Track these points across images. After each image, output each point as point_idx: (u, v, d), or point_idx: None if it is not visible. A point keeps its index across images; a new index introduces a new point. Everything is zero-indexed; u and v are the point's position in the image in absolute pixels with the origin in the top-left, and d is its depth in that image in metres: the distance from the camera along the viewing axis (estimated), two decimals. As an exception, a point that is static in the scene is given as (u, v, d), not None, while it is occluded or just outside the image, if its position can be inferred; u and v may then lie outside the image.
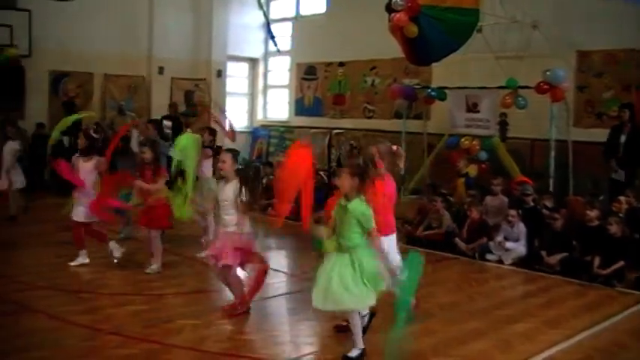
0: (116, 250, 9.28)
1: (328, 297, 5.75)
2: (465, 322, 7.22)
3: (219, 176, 7.58)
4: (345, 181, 5.78)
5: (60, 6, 13.92)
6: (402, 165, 7.06)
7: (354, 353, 5.94)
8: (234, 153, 7.34)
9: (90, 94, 18.26)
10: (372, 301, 5.88)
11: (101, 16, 17.68)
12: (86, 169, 9.11)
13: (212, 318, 7.07)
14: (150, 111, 18.90)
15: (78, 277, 8.70)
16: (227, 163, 7.15)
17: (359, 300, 5.80)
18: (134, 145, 11.73)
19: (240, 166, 7.35)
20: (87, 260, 9.19)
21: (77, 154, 9.26)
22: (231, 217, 7.09)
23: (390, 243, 6.74)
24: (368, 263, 5.78)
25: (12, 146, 11.91)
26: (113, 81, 18.59)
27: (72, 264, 9.07)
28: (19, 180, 12.17)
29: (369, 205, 5.79)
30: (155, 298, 7.93)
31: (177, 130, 14.80)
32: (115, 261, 9.17)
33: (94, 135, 9.63)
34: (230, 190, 7.08)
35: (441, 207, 11.34)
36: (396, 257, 6.76)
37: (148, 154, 8.92)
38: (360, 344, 5.97)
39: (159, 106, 18.59)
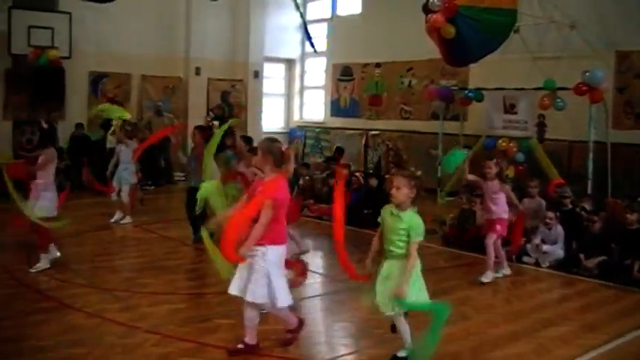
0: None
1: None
2: (502, 325, 7.17)
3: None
4: (404, 192, 5.70)
5: (99, 8, 14.09)
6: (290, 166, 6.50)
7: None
8: (249, 139, 7.31)
9: (128, 95, 18.50)
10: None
11: (139, 18, 17.89)
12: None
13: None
14: (187, 111, 19.06)
15: (115, 276, 8.81)
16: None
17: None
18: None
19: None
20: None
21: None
22: None
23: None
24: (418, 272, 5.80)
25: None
26: (150, 82, 18.78)
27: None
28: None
29: (420, 218, 5.75)
30: (191, 297, 8.00)
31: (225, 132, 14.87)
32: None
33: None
34: None
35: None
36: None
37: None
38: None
39: (195, 107, 18.75)
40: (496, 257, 9.14)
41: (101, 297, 7.75)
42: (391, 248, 5.75)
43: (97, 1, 12.96)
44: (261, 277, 5.73)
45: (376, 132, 18.86)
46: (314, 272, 9.15)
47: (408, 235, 5.65)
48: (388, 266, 5.77)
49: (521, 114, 14.50)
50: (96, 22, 16.77)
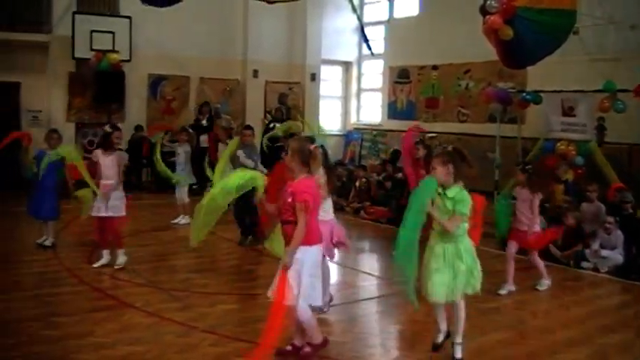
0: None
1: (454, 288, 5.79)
2: (559, 331, 7.10)
3: None
4: (439, 171, 5.75)
5: (159, 12, 14.28)
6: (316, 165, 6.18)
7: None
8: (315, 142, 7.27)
9: (186, 98, 18.73)
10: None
11: (198, 21, 18.10)
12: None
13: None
14: (244, 113, 19.21)
15: (172, 276, 8.94)
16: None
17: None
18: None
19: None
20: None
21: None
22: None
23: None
24: (471, 251, 5.86)
25: None
26: (209, 84, 18.99)
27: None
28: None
29: (467, 193, 5.77)
30: (247, 297, 8.08)
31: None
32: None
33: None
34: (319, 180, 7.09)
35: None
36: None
37: None
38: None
39: (253, 109, 18.89)
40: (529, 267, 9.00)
41: (159, 296, 7.88)
42: (438, 228, 5.83)
43: (157, 5, 13.15)
44: (293, 278, 5.72)
45: (433, 135, 18.76)
46: (369, 274, 9.18)
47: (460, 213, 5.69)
48: (441, 248, 5.83)
49: (580, 117, 14.27)
50: (155, 25, 17.03)
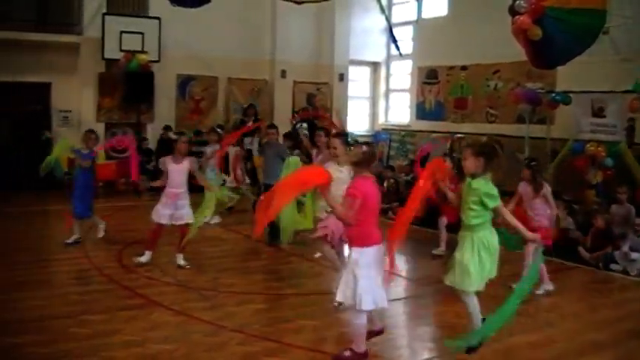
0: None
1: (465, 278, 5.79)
2: (587, 334, 7.05)
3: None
4: (469, 161, 5.77)
5: (187, 13, 14.37)
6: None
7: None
8: (343, 136, 7.32)
9: (215, 98, 18.82)
10: (480, 286, 5.82)
11: (226, 22, 18.19)
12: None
13: (332, 319, 7.15)
14: (272, 114, 19.26)
15: (200, 276, 8.98)
16: (339, 149, 7.17)
17: (472, 282, 5.78)
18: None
19: (351, 148, 7.21)
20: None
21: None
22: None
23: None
24: (487, 245, 5.79)
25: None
26: (237, 84, 19.06)
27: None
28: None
29: (493, 185, 5.77)
30: (275, 297, 8.11)
31: (313, 132, 14.97)
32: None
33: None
34: (345, 173, 7.15)
35: (564, 214, 11.08)
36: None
37: None
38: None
39: (281, 109, 18.93)
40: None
41: (188, 295, 7.94)
42: (463, 217, 5.86)
43: (186, 6, 13.22)
44: (350, 279, 5.77)
45: (461, 135, 18.69)
46: (398, 275, 9.17)
47: (481, 203, 5.69)
48: (460, 238, 5.88)
49: (609, 117, 14.14)
50: (184, 26, 17.13)
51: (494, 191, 5.72)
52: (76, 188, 10.51)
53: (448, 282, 5.92)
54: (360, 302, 5.70)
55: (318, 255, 9.67)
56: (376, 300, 5.81)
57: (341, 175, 7.16)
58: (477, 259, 5.72)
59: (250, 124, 16.30)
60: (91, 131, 11.08)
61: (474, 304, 5.88)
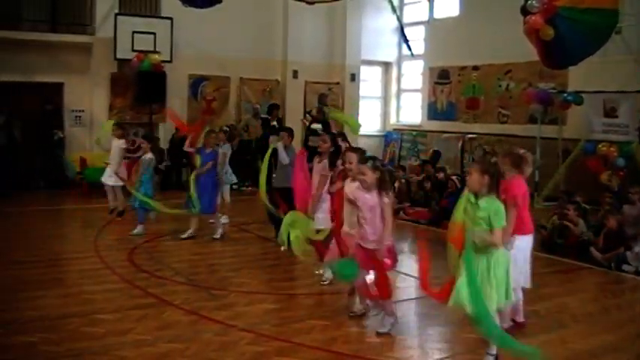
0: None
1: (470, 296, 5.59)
2: (599, 335, 7.01)
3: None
4: (474, 178, 5.69)
5: (199, 13, 14.38)
6: (528, 170, 6.90)
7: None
8: (360, 152, 7.25)
9: (227, 98, 18.87)
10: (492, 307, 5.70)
11: (238, 22, 18.24)
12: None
13: (342, 319, 7.15)
14: (284, 114, 19.29)
15: (212, 275, 9.01)
16: (354, 164, 7.09)
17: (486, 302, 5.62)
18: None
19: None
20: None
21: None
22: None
23: (521, 244, 6.71)
24: (500, 269, 5.72)
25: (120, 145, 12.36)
26: (249, 84, 19.10)
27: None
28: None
29: (501, 204, 5.71)
30: (286, 297, 8.11)
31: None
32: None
33: None
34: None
35: (574, 215, 11.04)
36: (524, 266, 6.73)
37: None
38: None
39: (292, 109, 18.91)
40: None
41: (198, 295, 7.95)
42: (472, 239, 5.68)
43: (197, 6, 13.24)
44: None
45: (473, 135, 18.67)
46: (408, 275, 9.16)
47: (489, 224, 5.61)
48: (477, 262, 5.70)
49: (622, 117, 14.13)
50: (196, 26, 17.16)
51: (501, 210, 5.65)
52: (201, 185, 10.84)
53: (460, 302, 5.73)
54: (519, 281, 6.59)
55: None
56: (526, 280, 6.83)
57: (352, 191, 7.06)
58: (502, 285, 5.71)
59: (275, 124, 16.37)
60: (212, 131, 11.51)
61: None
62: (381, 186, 6.48)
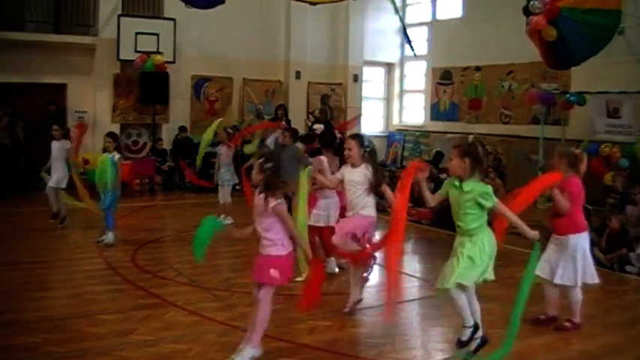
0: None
1: (452, 274, 5.61)
2: (602, 336, 7.01)
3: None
4: (455, 163, 5.65)
5: (202, 14, 14.45)
6: (583, 168, 7.01)
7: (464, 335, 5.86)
8: (359, 138, 7.29)
9: (229, 98, 18.88)
10: (467, 281, 5.66)
11: (241, 23, 18.28)
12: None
13: (345, 320, 7.17)
14: (287, 114, 19.29)
15: (215, 275, 9.00)
16: (354, 150, 7.11)
17: (457, 276, 5.60)
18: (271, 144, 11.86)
19: (367, 149, 7.22)
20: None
21: None
22: (360, 199, 7.11)
23: (578, 242, 6.94)
24: (483, 248, 5.65)
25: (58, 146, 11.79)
26: (252, 85, 19.11)
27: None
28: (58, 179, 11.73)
29: (486, 184, 5.67)
30: (289, 298, 8.10)
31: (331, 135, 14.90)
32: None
33: None
34: (360, 175, 7.10)
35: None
36: (584, 263, 7.00)
37: None
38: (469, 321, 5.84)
39: (295, 110, 18.91)
40: None
41: (201, 296, 7.96)
42: (459, 223, 5.70)
43: (200, 7, 13.28)
44: (568, 262, 6.82)
45: (476, 136, 18.68)
46: (411, 276, 9.16)
47: (478, 205, 5.57)
48: (457, 242, 5.74)
49: (625, 118, 14.12)
50: (199, 27, 17.22)
51: (489, 190, 5.59)
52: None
53: (438, 285, 5.80)
54: (588, 277, 6.97)
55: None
56: (592, 276, 7.03)
57: (354, 177, 7.15)
58: (467, 258, 5.62)
59: (283, 124, 16.38)
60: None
61: (462, 301, 5.73)
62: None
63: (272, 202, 5.65)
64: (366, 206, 7.11)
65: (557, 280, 6.90)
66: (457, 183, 5.69)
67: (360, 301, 7.49)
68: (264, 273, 5.77)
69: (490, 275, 5.77)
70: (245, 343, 5.83)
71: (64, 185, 11.66)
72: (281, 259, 5.78)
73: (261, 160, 5.96)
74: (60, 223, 11.63)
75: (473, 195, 5.57)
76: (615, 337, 7.00)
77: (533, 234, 5.64)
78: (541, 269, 6.86)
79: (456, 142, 6.09)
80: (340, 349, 6.31)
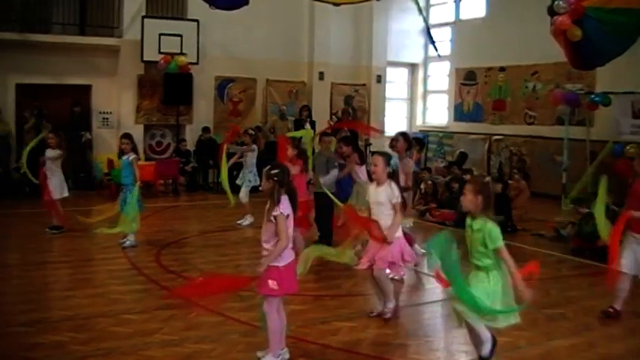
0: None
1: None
2: (626, 339, 6.97)
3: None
4: (468, 198, 5.59)
5: (226, 15, 14.48)
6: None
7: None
8: (386, 156, 7.27)
9: (253, 99, 18.92)
10: (501, 323, 5.60)
11: (264, 24, 18.30)
12: None
13: (368, 321, 7.17)
14: (311, 115, 19.32)
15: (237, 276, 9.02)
16: (379, 167, 7.09)
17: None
18: None
19: (392, 170, 7.28)
20: None
21: None
22: (383, 220, 7.08)
23: None
24: (502, 287, 5.56)
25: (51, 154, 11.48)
26: (275, 86, 19.14)
27: None
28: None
29: (495, 224, 5.58)
30: (312, 299, 8.11)
31: (354, 137, 14.95)
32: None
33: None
34: (383, 194, 7.09)
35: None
36: None
37: None
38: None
39: (319, 111, 18.91)
40: None
41: (225, 296, 7.96)
42: (472, 260, 5.64)
43: (225, 9, 13.31)
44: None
45: (500, 137, 18.59)
46: (433, 277, 9.14)
47: (485, 245, 5.50)
48: (472, 277, 5.64)
49: (650, 119, 14.01)
50: (222, 28, 17.27)
51: (496, 231, 5.51)
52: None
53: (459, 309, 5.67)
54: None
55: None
56: None
57: (379, 198, 7.12)
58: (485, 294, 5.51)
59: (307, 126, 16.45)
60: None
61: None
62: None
63: (275, 211, 5.65)
64: (390, 227, 7.08)
65: None
66: (469, 221, 5.66)
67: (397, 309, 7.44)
68: (264, 284, 5.75)
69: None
70: (266, 351, 5.88)
71: (65, 194, 11.56)
72: (279, 271, 5.73)
73: (268, 167, 5.82)
74: (51, 229, 11.40)
75: (482, 234, 5.53)
76: (640, 341, 6.96)
77: (528, 294, 5.44)
78: (627, 266, 7.39)
79: (472, 178, 6.06)
80: (363, 351, 6.32)
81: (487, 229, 5.50)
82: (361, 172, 10.34)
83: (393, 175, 7.22)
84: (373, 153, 9.96)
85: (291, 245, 5.80)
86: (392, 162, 7.30)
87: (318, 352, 6.22)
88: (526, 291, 5.39)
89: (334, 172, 10.32)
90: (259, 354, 5.90)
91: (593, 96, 15.08)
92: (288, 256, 5.80)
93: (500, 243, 5.50)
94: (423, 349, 6.44)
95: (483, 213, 5.57)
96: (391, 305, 7.28)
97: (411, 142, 10.17)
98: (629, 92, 14.32)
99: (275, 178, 5.66)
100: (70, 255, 9.92)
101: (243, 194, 12.47)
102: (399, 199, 7.04)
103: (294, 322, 7.02)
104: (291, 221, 5.76)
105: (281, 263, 5.74)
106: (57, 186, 11.36)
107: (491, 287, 5.50)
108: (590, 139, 15.62)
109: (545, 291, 8.49)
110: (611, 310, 7.51)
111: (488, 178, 6.17)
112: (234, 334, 6.62)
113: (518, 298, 5.48)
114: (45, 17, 16.26)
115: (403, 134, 10.03)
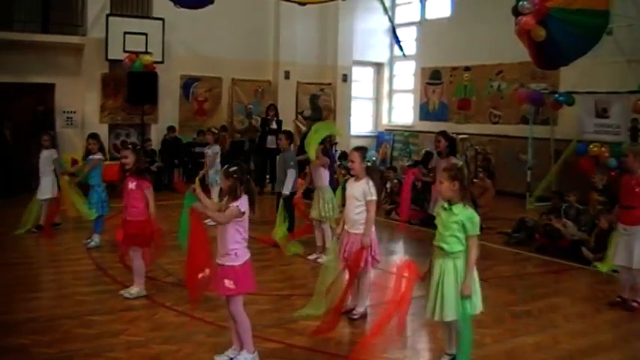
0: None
1: (443, 306, 5.60)
2: (591, 335, 7.04)
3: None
4: (445, 186, 5.63)
5: (191, 14, 14.40)
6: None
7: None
8: (362, 151, 7.26)
9: (219, 98, 18.86)
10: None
11: (230, 23, 18.23)
12: None
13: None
14: (277, 114, 19.28)
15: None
16: (356, 162, 7.09)
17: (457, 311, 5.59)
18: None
19: (369, 164, 7.29)
20: None
21: None
22: (359, 216, 7.07)
23: None
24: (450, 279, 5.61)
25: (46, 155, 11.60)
26: (241, 85, 19.10)
27: None
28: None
29: (474, 211, 5.65)
30: (278, 298, 8.09)
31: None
32: None
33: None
34: (359, 189, 7.08)
35: (557, 222, 11.03)
36: None
37: None
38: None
39: (285, 110, 18.86)
40: None
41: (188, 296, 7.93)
42: (440, 244, 5.65)
43: (190, 7, 13.24)
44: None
45: (465, 136, 18.69)
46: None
47: (464, 229, 5.54)
48: (438, 268, 5.67)
49: (613, 118, 14.15)
50: (188, 27, 17.16)
51: (476, 218, 5.59)
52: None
53: (429, 315, 5.78)
54: None
55: (313, 257, 9.95)
56: None
57: (354, 191, 7.13)
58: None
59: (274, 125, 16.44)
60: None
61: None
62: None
63: (231, 205, 5.67)
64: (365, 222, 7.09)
65: (637, 266, 7.67)
66: (446, 205, 5.68)
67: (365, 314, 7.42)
68: (220, 284, 5.72)
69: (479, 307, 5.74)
70: (236, 348, 5.90)
71: (50, 195, 11.37)
72: (234, 270, 5.70)
73: (226, 166, 5.81)
74: (35, 228, 11.29)
75: (461, 218, 5.55)
76: (604, 336, 7.04)
77: (468, 291, 5.51)
78: (620, 258, 7.93)
79: (446, 166, 6.09)
80: (330, 350, 6.31)
81: (469, 215, 5.56)
82: (324, 175, 10.28)
83: (370, 170, 7.23)
84: (340, 156, 10.05)
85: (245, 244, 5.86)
86: (368, 155, 7.34)
87: (284, 351, 6.20)
88: (468, 287, 5.50)
89: (291, 172, 10.36)
90: (217, 358, 5.87)
91: (557, 95, 15.23)
92: (244, 255, 5.80)
93: (477, 232, 5.59)
94: (389, 348, 6.43)
95: (461, 201, 5.61)
96: (361, 310, 7.29)
97: (454, 140, 10.73)
98: (592, 92, 14.47)
99: (234, 176, 5.66)
100: (33, 256, 9.82)
101: (214, 195, 12.40)
102: (374, 197, 7.02)
103: (260, 321, 6.99)
104: (246, 220, 5.81)
105: (237, 262, 5.72)
106: (48, 186, 11.32)
107: (457, 283, 5.56)
108: (555, 138, 15.78)
109: (510, 288, 8.56)
110: (619, 299, 8.04)
111: (460, 163, 6.18)
112: (199, 334, 6.58)
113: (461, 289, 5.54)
114: (6, 14, 16.02)
115: (443, 134, 10.43)
